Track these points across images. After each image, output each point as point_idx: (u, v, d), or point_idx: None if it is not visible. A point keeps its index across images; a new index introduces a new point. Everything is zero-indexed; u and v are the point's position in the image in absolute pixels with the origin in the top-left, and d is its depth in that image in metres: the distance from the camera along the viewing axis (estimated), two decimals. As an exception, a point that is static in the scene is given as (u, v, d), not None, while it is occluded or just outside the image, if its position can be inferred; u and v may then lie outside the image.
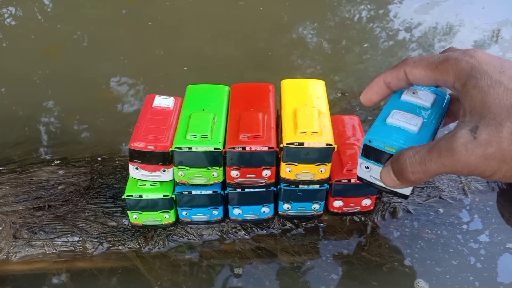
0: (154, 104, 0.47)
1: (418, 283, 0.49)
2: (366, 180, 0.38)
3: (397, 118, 0.34)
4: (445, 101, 0.37)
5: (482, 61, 0.30)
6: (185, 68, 0.76)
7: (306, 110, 0.45)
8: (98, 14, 0.92)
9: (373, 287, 0.49)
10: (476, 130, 0.27)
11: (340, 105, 0.69)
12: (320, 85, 0.50)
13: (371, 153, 0.35)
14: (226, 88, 0.51)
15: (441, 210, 0.54)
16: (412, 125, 0.34)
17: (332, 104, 0.70)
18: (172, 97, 0.48)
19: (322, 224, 0.53)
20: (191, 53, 0.81)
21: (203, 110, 0.47)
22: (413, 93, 0.36)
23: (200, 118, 0.45)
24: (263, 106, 0.47)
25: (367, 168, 0.37)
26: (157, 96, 0.48)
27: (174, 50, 0.82)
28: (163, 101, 0.47)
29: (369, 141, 0.35)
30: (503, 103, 0.28)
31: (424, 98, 0.36)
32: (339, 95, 0.71)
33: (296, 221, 0.53)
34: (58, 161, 0.60)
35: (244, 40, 0.84)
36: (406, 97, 0.36)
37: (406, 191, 0.38)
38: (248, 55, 0.81)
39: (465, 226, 0.53)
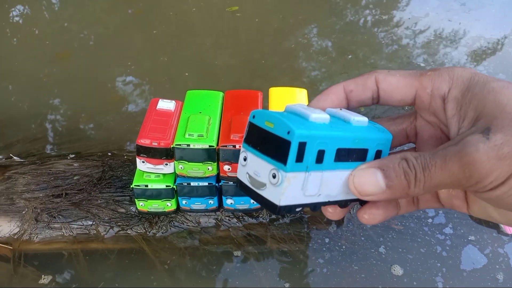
0: (158, 107, 0.55)
1: (394, 268, 0.56)
2: (242, 182, 0.25)
3: (297, 106, 0.25)
4: (385, 139, 0.28)
5: (478, 72, 0.27)
6: (187, 74, 0.83)
7: (289, 114, 0.53)
8: (108, 22, 1.00)
9: (354, 270, 0.56)
10: (488, 132, 0.24)
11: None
12: (303, 94, 0.58)
13: (252, 135, 0.25)
14: (221, 94, 0.58)
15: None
16: (311, 112, 0.25)
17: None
18: (173, 101, 0.56)
19: (304, 215, 0.61)
20: (192, 60, 0.88)
21: (200, 112, 0.54)
22: (340, 109, 0.28)
23: (197, 120, 0.52)
24: (252, 110, 0.54)
25: (245, 160, 0.25)
26: (160, 100, 0.55)
27: (177, 57, 0.89)
28: (165, 104, 0.55)
29: (253, 117, 0.25)
30: None
31: (351, 114, 0.27)
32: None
33: (282, 211, 0.60)
34: (73, 155, 0.68)
35: (240, 49, 0.92)
36: (329, 110, 0.28)
37: (283, 198, 0.24)
38: (244, 63, 0.88)
39: (430, 220, 0.60)
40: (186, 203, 0.57)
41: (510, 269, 0.55)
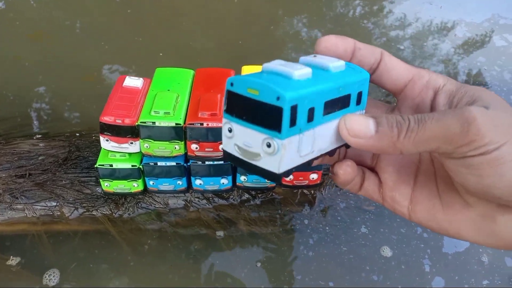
0: (124, 84, 0.53)
1: (383, 249, 0.56)
2: (230, 154, 0.24)
3: (275, 63, 0.24)
4: (363, 79, 0.26)
5: None
6: (161, 54, 0.81)
7: (259, 92, 0.51)
8: (81, 2, 0.96)
9: (343, 252, 0.55)
10: (487, 107, 0.24)
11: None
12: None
13: (234, 105, 0.23)
14: (191, 72, 0.56)
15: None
16: (292, 69, 0.23)
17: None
18: (141, 78, 0.54)
19: (276, 196, 0.60)
20: (168, 41, 0.86)
21: (168, 90, 0.52)
22: (314, 56, 0.26)
23: (164, 97, 0.50)
24: (223, 88, 0.53)
25: (230, 131, 0.24)
26: (127, 77, 0.53)
27: (152, 38, 0.87)
28: (132, 81, 0.53)
29: (232, 85, 0.23)
30: None
31: (328, 60, 0.25)
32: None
33: (253, 192, 0.59)
34: (40, 136, 0.66)
35: (218, 30, 0.90)
36: (304, 59, 0.26)
37: (281, 165, 0.23)
38: (220, 44, 0.86)
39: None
40: (153, 183, 0.55)
41: (494, 250, 0.55)
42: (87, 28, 0.89)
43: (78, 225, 0.57)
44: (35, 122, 0.70)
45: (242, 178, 0.55)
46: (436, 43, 0.89)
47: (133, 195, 0.56)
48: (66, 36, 0.87)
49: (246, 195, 0.59)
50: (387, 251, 0.55)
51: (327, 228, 0.57)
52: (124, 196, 0.57)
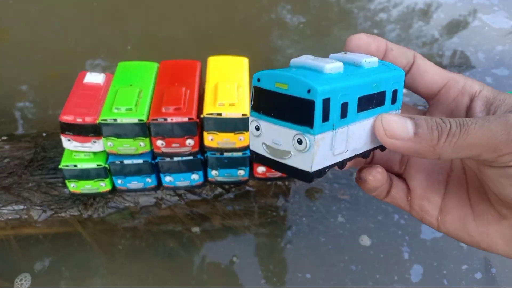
0: (85, 80, 0.51)
1: (362, 238, 0.55)
2: (259, 155, 0.23)
3: (303, 58, 0.23)
4: (399, 76, 0.25)
5: None
6: (129, 48, 0.79)
7: (226, 84, 0.49)
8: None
9: (321, 243, 0.54)
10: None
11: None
12: (243, 62, 0.54)
13: (262, 101, 0.22)
14: (156, 65, 0.54)
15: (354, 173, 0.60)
16: (323, 62, 0.22)
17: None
18: (102, 74, 0.52)
19: (251, 189, 0.58)
20: (136, 33, 0.83)
21: (131, 85, 0.50)
22: (344, 53, 0.25)
23: (126, 93, 0.48)
24: (188, 82, 0.51)
25: (257, 130, 0.23)
26: (88, 73, 0.51)
27: (119, 30, 0.84)
28: (93, 77, 0.51)
29: (258, 80, 0.22)
30: None
31: (360, 56, 0.24)
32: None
33: (226, 186, 0.57)
34: (5, 137, 0.63)
35: (186, 20, 0.87)
36: (334, 55, 0.25)
37: (314, 164, 0.22)
38: (189, 34, 0.83)
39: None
40: (121, 182, 0.53)
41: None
42: (52, 23, 0.86)
43: (47, 228, 0.55)
44: (0, 124, 0.68)
45: (214, 172, 0.54)
46: (420, 25, 0.87)
47: (101, 195, 0.54)
48: (29, 32, 0.84)
49: (219, 190, 0.57)
50: (365, 240, 0.54)
51: (303, 219, 0.56)
52: (92, 196, 0.55)
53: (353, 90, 0.22)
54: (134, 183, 0.54)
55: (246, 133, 0.49)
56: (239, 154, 0.52)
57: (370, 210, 0.57)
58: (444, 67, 0.78)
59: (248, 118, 0.48)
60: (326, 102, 0.20)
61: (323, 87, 0.20)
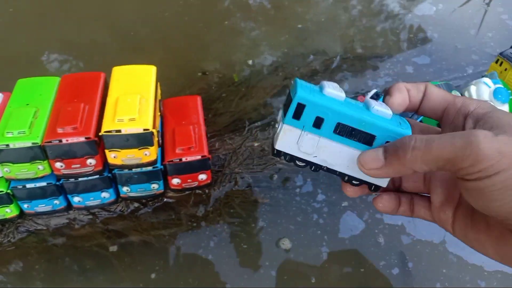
0: (-22, 103, 0.48)
1: (283, 242, 0.54)
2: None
3: (328, 83, 0.30)
4: (400, 133, 0.29)
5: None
6: (45, 56, 0.75)
7: (128, 97, 0.48)
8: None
9: (243, 250, 0.53)
10: (497, 133, 0.25)
11: (199, 84, 0.72)
12: (150, 71, 0.52)
13: (286, 99, 0.29)
14: (57, 79, 0.51)
15: (275, 176, 0.59)
16: (328, 87, 0.29)
17: (191, 83, 0.72)
18: (0, 93, 0.49)
19: (170, 200, 0.57)
20: (54, 39, 0.79)
21: (27, 104, 0.48)
22: (377, 101, 0.31)
23: (20, 114, 0.46)
24: (89, 96, 0.49)
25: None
26: (-19, 94, 0.48)
27: (34, 37, 0.80)
28: (-13, 99, 0.48)
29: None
30: None
31: (377, 104, 0.30)
32: (200, 74, 0.74)
33: (143, 200, 0.56)
34: None
35: (110, 22, 0.83)
36: (368, 100, 0.31)
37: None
38: (113, 38, 0.80)
39: (298, 190, 0.59)
40: (28, 206, 0.51)
41: (389, 230, 0.55)
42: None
43: (-45, 259, 0.53)
44: None
45: (125, 189, 0.52)
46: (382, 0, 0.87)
47: (9, 220, 0.52)
48: None
49: (136, 204, 0.56)
50: (286, 243, 0.54)
51: (225, 226, 0.55)
52: (0, 223, 0.52)
53: (333, 113, 0.29)
54: (42, 207, 0.51)
55: (152, 148, 0.48)
56: (149, 168, 0.51)
57: (290, 212, 0.57)
58: (366, 58, 0.78)
59: (150, 132, 0.46)
60: (300, 106, 0.28)
61: (303, 96, 0.28)
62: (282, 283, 0.50)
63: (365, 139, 0.31)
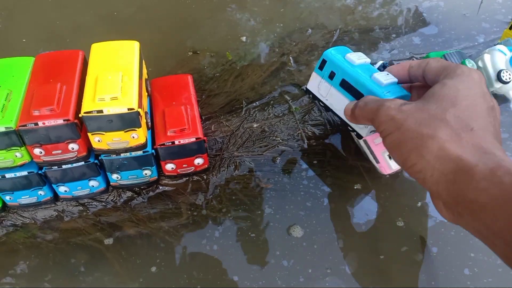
0: None
1: (294, 229, 0.50)
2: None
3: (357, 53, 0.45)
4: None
5: (471, 73, 0.38)
6: (24, 40, 0.70)
7: (108, 74, 0.43)
8: None
9: (251, 239, 0.49)
10: (406, 104, 0.37)
11: (191, 65, 0.67)
12: (133, 46, 0.47)
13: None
14: (32, 59, 0.47)
15: (279, 158, 0.55)
16: (352, 54, 0.44)
17: (182, 64, 0.68)
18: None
19: (166, 188, 0.52)
20: (33, 22, 0.74)
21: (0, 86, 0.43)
22: (387, 74, 0.43)
23: (-11, 97, 0.41)
24: (66, 76, 0.44)
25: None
26: None
27: (12, 21, 0.75)
28: (-46, 82, 0.43)
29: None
30: (443, 99, 0.36)
31: (377, 74, 0.43)
32: (191, 53, 0.69)
33: (136, 189, 0.51)
34: None
35: (92, 3, 0.78)
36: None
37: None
38: (96, 19, 0.75)
39: (304, 173, 0.54)
40: (10, 198, 0.47)
41: (409, 212, 0.50)
42: None
43: None
44: None
45: (115, 176, 0.48)
46: None
47: (-11, 215, 0.48)
48: None
49: (129, 193, 0.51)
50: (297, 231, 0.49)
51: (228, 214, 0.50)
52: (-20, 218, 0.48)
53: (341, 71, 0.44)
54: (26, 198, 0.47)
55: (139, 130, 0.43)
56: (139, 153, 0.46)
57: (298, 197, 0.52)
58: (369, 30, 0.73)
59: (136, 112, 0.42)
60: (323, 61, 0.45)
61: (327, 54, 0.45)
62: (295, 273, 0.46)
63: (356, 95, 0.43)
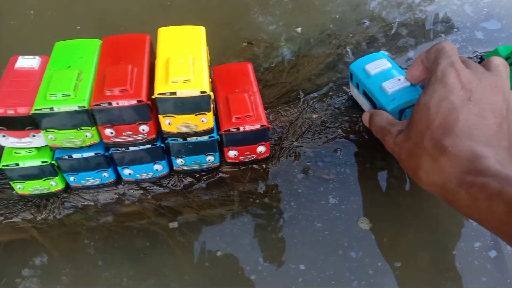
0: (16, 66, 0.43)
1: (362, 221, 0.48)
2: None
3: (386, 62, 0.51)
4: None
5: (442, 82, 0.37)
6: (78, 28, 0.71)
7: (179, 57, 0.42)
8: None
9: (317, 228, 0.47)
10: (400, 133, 0.41)
11: (245, 55, 0.66)
12: (199, 31, 0.47)
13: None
14: (98, 42, 0.47)
15: (340, 150, 0.53)
16: (371, 65, 0.50)
17: (238, 54, 0.67)
18: (37, 57, 0.44)
19: (224, 175, 0.52)
20: (84, 11, 0.75)
21: (69, 67, 0.43)
22: (399, 79, 0.48)
23: (62, 76, 0.41)
24: (136, 58, 0.44)
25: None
26: (20, 57, 0.44)
27: (65, 9, 0.75)
28: (26, 62, 0.43)
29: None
30: (420, 124, 0.38)
31: (391, 82, 0.48)
32: (245, 44, 0.68)
33: (196, 175, 0.51)
34: None
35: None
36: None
37: (350, 92, 0.57)
38: (149, 9, 0.75)
39: (368, 165, 0.53)
40: (74, 179, 0.47)
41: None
42: None
43: (-2, 236, 0.49)
44: None
45: (179, 161, 0.47)
46: None
47: (54, 194, 0.48)
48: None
49: (189, 179, 0.51)
50: (366, 223, 0.47)
51: (291, 203, 0.49)
52: (45, 197, 0.49)
53: (360, 83, 0.51)
54: (90, 179, 0.47)
55: (209, 114, 0.43)
56: (205, 138, 0.46)
57: (364, 189, 0.50)
58: (428, 24, 0.71)
59: (208, 95, 0.41)
60: (350, 73, 0.53)
61: (352, 67, 0.52)
62: (364, 265, 0.44)
63: (373, 104, 0.49)
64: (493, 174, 0.31)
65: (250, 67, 0.54)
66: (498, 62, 0.39)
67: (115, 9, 0.75)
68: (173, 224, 0.48)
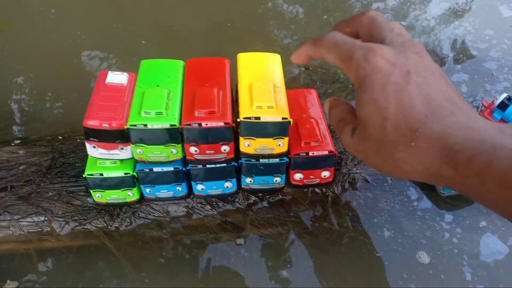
0: (107, 81, 0.46)
1: (420, 255, 0.50)
2: None
3: None
4: None
5: (373, 71, 0.32)
6: (143, 42, 0.74)
7: (262, 84, 0.45)
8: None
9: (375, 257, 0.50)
10: (354, 132, 0.35)
11: (301, 79, 0.69)
12: (276, 59, 0.50)
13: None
14: (181, 62, 0.50)
15: (389, 180, 0.56)
16: None
17: (294, 78, 0.70)
18: (125, 73, 0.47)
19: (285, 197, 0.54)
20: (149, 26, 0.78)
21: (158, 86, 0.46)
22: None
23: (154, 94, 0.44)
24: (219, 81, 0.47)
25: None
26: (110, 72, 0.47)
27: (131, 24, 0.79)
28: (116, 77, 0.46)
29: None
30: (373, 120, 0.32)
31: None
32: (303, 69, 0.71)
33: (260, 194, 0.53)
34: (18, 141, 0.59)
35: (203, 10, 0.82)
36: None
37: None
38: (208, 26, 0.79)
39: (415, 203, 0.54)
40: (150, 191, 0.50)
41: None
42: (61, 16, 0.81)
43: (71, 240, 0.51)
44: (10, 125, 0.63)
45: (248, 180, 0.50)
46: (417, 14, 0.82)
47: (128, 204, 0.51)
48: (38, 25, 0.79)
49: (253, 198, 0.53)
50: (424, 257, 0.49)
51: (350, 229, 0.51)
52: (119, 206, 0.51)
53: None
54: (164, 192, 0.50)
55: (286, 139, 0.45)
56: (276, 160, 0.48)
57: (415, 225, 0.52)
58: (480, 59, 0.73)
59: (288, 121, 0.44)
60: None
61: None
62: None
63: None
64: (476, 145, 0.28)
65: (314, 93, 0.56)
66: (393, 25, 0.37)
67: (178, 26, 0.79)
68: (240, 241, 0.51)
